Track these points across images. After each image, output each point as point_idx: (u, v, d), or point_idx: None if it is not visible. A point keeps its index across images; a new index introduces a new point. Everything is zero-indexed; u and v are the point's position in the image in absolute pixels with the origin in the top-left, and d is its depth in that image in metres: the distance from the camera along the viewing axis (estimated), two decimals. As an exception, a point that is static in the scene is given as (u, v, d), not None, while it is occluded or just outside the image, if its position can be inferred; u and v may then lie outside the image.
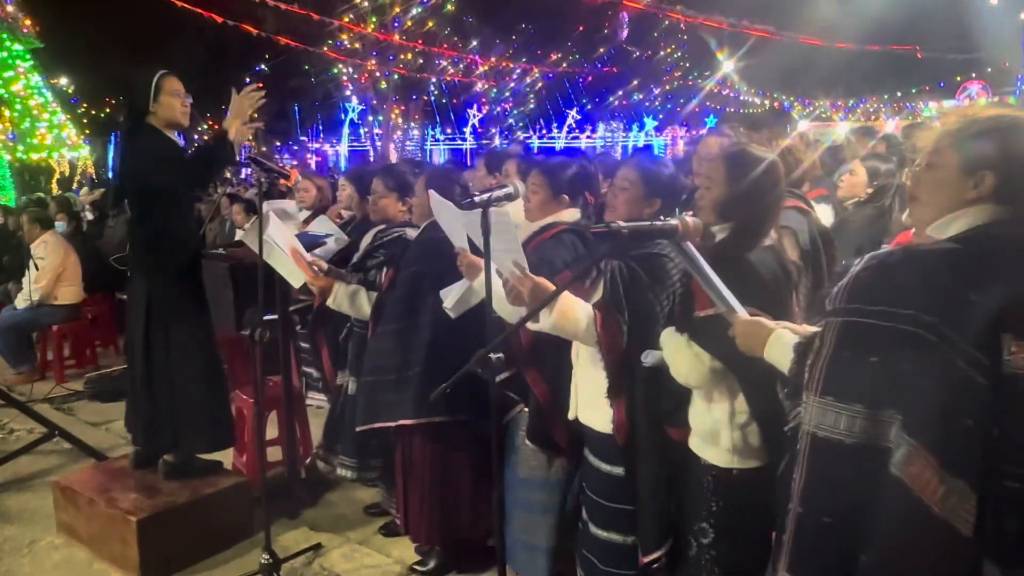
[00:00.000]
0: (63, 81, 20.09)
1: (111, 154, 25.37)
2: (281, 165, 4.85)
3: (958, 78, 21.58)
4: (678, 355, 2.17)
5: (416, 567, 3.30)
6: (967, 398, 1.39)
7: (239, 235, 5.51)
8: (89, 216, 8.85)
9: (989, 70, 20.45)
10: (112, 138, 25.51)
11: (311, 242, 3.77)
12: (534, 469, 2.91)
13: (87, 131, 21.43)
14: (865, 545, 1.48)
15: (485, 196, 2.06)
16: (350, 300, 3.38)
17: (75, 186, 16.78)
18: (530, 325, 2.36)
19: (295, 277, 3.54)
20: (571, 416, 2.73)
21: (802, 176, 3.43)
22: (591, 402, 2.58)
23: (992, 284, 1.41)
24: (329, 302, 3.41)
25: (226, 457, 3.98)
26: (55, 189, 15.86)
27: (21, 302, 6.18)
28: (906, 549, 1.45)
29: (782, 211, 3.04)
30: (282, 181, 3.45)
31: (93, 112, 24.86)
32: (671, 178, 2.66)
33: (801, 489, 1.60)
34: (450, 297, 2.89)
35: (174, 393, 3.43)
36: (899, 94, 24.42)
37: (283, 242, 3.40)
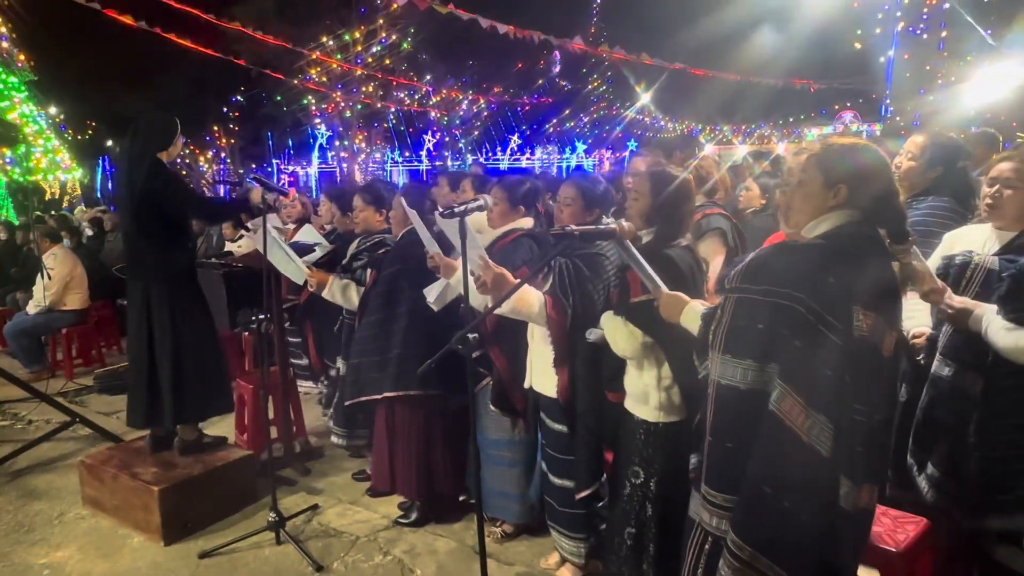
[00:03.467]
0: (52, 110, 19.35)
1: (99, 176, 24.54)
2: (280, 184, 4.90)
3: (836, 107, 22.47)
4: (616, 333, 2.37)
5: (400, 519, 3.41)
6: (826, 354, 1.60)
7: (231, 246, 5.53)
8: (89, 232, 8.63)
9: (861, 100, 21.38)
10: (100, 162, 24.69)
11: (303, 249, 3.87)
12: (501, 431, 3.07)
13: (73, 156, 20.70)
14: (754, 461, 1.70)
15: (462, 207, 2.22)
16: (342, 292, 3.51)
17: (65, 205, 16.24)
18: (500, 311, 2.53)
19: (296, 275, 3.65)
20: (527, 385, 2.91)
21: (715, 187, 3.68)
22: (543, 372, 2.76)
23: (845, 269, 1.63)
24: (324, 293, 3.53)
25: (230, 436, 4.05)
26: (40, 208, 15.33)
27: (33, 308, 6.06)
28: (782, 465, 1.65)
29: (712, 217, 3.30)
30: (282, 198, 3.55)
31: (79, 137, 23.98)
32: (605, 192, 2.85)
33: (711, 424, 1.81)
34: (431, 294, 3.03)
35: (180, 369, 3.43)
36: (791, 120, 25.25)
37: (279, 257, 3.52)
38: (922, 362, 2.37)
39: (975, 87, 9.16)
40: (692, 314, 2.01)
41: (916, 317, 2.45)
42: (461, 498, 3.49)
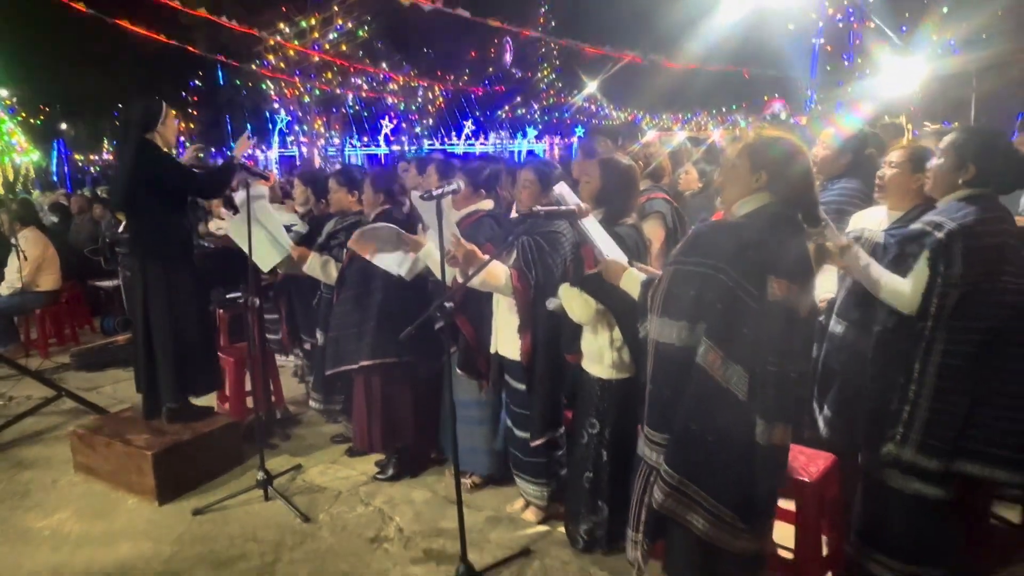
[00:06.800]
0: (3, 92, 18.36)
1: (54, 159, 23.46)
2: (261, 169, 4.89)
3: (766, 97, 23.02)
4: (572, 301, 2.57)
5: (378, 475, 3.56)
6: (743, 316, 1.83)
7: (213, 225, 5.49)
8: (53, 218, 8.34)
9: (788, 92, 21.96)
10: (55, 145, 23.58)
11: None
12: (469, 392, 3.24)
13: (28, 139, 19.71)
14: (684, 405, 1.92)
15: (439, 191, 2.37)
16: (322, 267, 3.60)
17: (19, 188, 15.53)
18: (470, 284, 2.70)
19: (269, 259, 3.71)
20: (492, 351, 3.10)
21: (659, 170, 3.89)
22: (508, 338, 2.95)
23: (762, 244, 1.85)
24: (305, 268, 3.61)
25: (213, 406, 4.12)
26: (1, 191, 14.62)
27: (6, 289, 5.92)
28: (706, 407, 1.89)
29: (654, 201, 3.51)
30: (261, 181, 3.61)
31: (32, 121, 22.83)
32: (558, 177, 3.03)
33: (650, 375, 2.03)
34: (403, 267, 3.18)
35: (175, 350, 3.51)
36: (723, 109, 25.76)
37: (269, 221, 3.58)
38: (823, 322, 2.63)
39: (887, 80, 9.63)
40: (631, 278, 2.22)
41: (823, 286, 2.71)
42: (432, 455, 3.69)
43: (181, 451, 3.45)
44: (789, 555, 2.51)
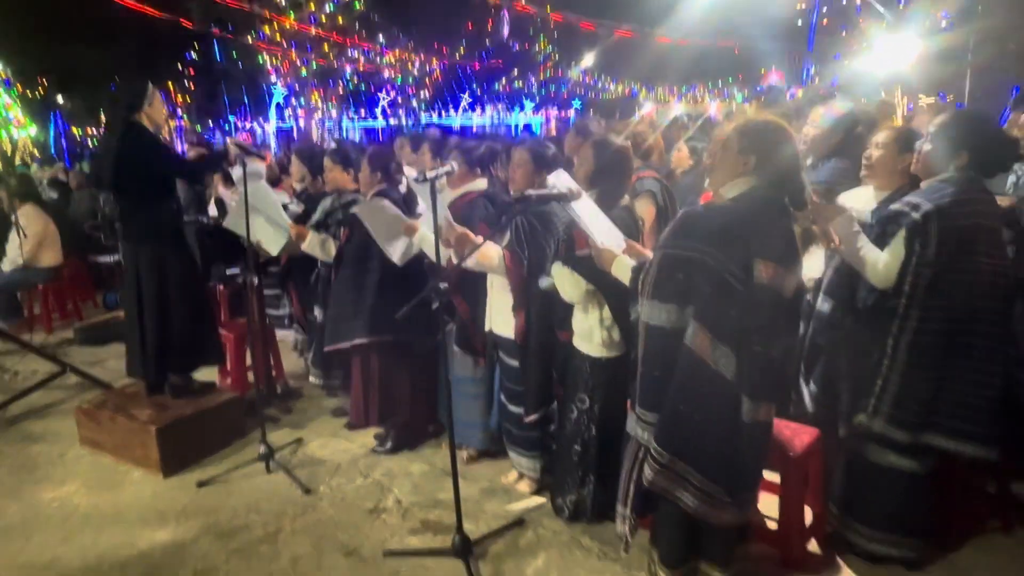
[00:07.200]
0: (-1, 65, 18.02)
1: (51, 133, 23.17)
2: (256, 148, 4.86)
3: (762, 70, 22.74)
4: (564, 281, 2.60)
5: (376, 448, 3.61)
6: (730, 298, 1.86)
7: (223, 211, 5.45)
8: (52, 194, 8.29)
9: (786, 64, 21.71)
10: (52, 118, 23.26)
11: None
12: (464, 369, 3.28)
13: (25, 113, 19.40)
14: (673, 385, 1.96)
15: (434, 173, 2.37)
16: (321, 246, 3.61)
17: (18, 162, 15.36)
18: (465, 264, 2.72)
19: (273, 242, 3.71)
20: (487, 328, 3.13)
21: (650, 150, 3.89)
22: (502, 317, 2.98)
23: (748, 227, 1.87)
24: (304, 247, 3.62)
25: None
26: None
27: (8, 266, 5.93)
28: (694, 387, 1.93)
29: (645, 180, 3.52)
30: (257, 160, 3.60)
31: (28, 93, 22.48)
32: (553, 156, 3.03)
33: (641, 356, 2.07)
34: (396, 251, 3.20)
35: (168, 325, 3.52)
36: (719, 82, 25.46)
37: (267, 204, 3.58)
38: (811, 300, 2.67)
39: (882, 54, 9.54)
40: (621, 264, 2.25)
41: (811, 266, 2.74)
42: (430, 428, 3.74)
43: (184, 425, 3.50)
44: (774, 524, 2.58)
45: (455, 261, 2.68)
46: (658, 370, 2.00)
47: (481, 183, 3.30)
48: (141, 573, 2.67)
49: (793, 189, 1.99)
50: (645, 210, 3.26)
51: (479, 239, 2.59)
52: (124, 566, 2.71)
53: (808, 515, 2.64)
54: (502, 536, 2.78)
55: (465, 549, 2.56)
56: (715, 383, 1.89)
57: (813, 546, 2.63)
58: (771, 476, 2.51)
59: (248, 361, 4.28)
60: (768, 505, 2.59)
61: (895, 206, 2.30)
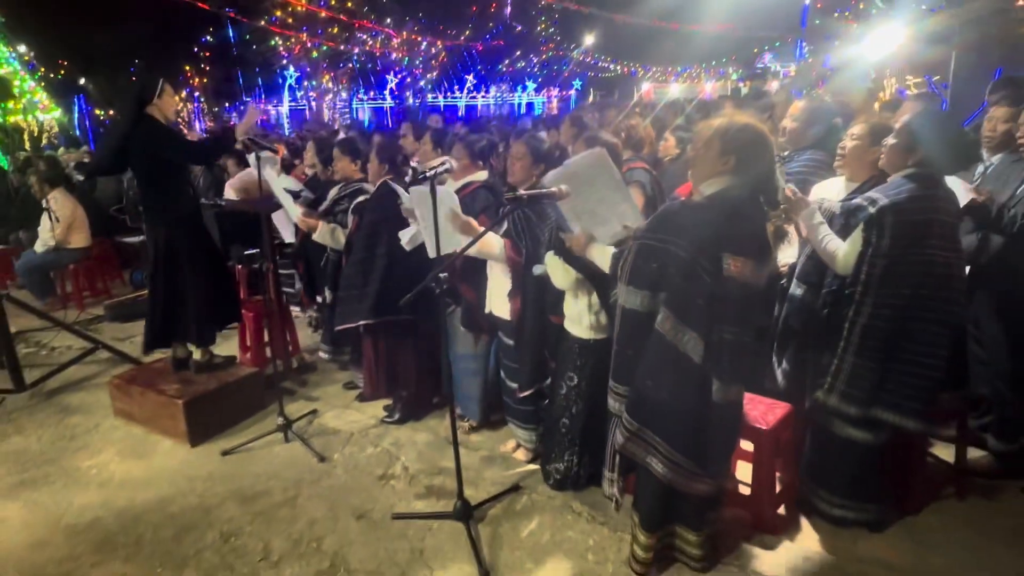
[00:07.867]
0: (21, 48, 17.87)
1: (75, 115, 23.05)
2: (270, 142, 4.89)
3: (755, 50, 22.39)
4: (555, 269, 2.66)
5: (385, 419, 3.72)
6: (698, 288, 1.93)
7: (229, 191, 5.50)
8: (79, 177, 8.33)
9: (778, 44, 21.37)
10: (76, 101, 23.13)
11: (292, 195, 4.00)
12: (466, 346, 3.37)
13: (49, 96, 19.28)
14: (642, 363, 2.05)
15: (431, 172, 2.42)
16: (331, 235, 3.68)
17: (44, 143, 15.32)
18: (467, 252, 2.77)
19: (286, 227, 3.78)
20: (487, 310, 3.21)
21: (640, 142, 3.91)
22: (500, 300, 3.05)
23: (720, 224, 1.93)
24: (315, 236, 3.69)
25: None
26: (28, 147, 14.46)
27: (40, 247, 6.03)
28: (660, 367, 2.02)
29: (634, 171, 3.56)
30: (269, 153, 3.65)
31: (52, 76, 22.30)
32: (549, 150, 3.07)
33: (617, 336, 2.16)
34: (405, 236, 3.26)
35: (192, 302, 3.59)
36: (713, 63, 25.08)
37: (279, 195, 3.63)
38: (785, 285, 2.73)
39: (874, 40, 9.40)
40: (598, 251, 2.32)
41: (785, 252, 2.80)
42: (435, 400, 3.85)
43: (209, 399, 3.61)
44: (747, 490, 2.69)
45: (457, 250, 2.74)
46: (631, 349, 2.09)
47: (482, 174, 3.34)
48: (173, 533, 2.80)
49: (767, 189, 2.04)
50: (634, 199, 3.30)
51: (481, 229, 2.65)
52: (158, 527, 2.85)
53: (779, 482, 2.74)
54: (500, 501, 2.90)
55: (466, 513, 2.68)
56: (681, 364, 1.98)
57: (783, 511, 2.74)
58: (747, 445, 2.61)
59: (266, 337, 4.38)
60: (743, 472, 2.70)
61: (856, 200, 2.35)
